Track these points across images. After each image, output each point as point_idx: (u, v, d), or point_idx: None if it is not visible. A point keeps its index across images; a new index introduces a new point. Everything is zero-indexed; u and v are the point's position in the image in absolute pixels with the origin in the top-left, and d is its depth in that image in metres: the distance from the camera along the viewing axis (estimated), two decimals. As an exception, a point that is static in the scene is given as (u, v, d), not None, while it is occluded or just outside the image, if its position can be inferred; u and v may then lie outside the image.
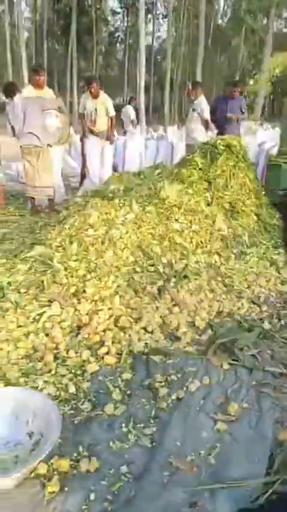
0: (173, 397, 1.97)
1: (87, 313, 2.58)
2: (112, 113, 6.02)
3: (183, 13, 27.97)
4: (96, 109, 5.91)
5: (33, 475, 1.53)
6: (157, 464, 1.59)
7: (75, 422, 1.82)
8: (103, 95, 6.00)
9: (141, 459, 1.63)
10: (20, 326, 2.44)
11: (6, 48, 25.21)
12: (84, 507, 1.42)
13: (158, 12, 34.75)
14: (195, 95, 6.45)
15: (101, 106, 5.94)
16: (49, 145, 5.22)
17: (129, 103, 11.28)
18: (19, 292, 2.74)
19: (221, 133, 5.93)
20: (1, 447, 1.63)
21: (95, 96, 5.87)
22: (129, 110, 10.59)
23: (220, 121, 6.13)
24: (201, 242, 3.38)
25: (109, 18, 36.18)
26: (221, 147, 3.92)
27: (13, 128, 5.05)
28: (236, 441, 1.73)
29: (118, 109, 7.29)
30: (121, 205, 3.61)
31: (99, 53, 34.05)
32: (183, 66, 30.69)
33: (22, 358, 2.21)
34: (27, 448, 1.63)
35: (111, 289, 2.80)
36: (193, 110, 6.51)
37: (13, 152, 6.29)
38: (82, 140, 6.26)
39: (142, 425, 1.80)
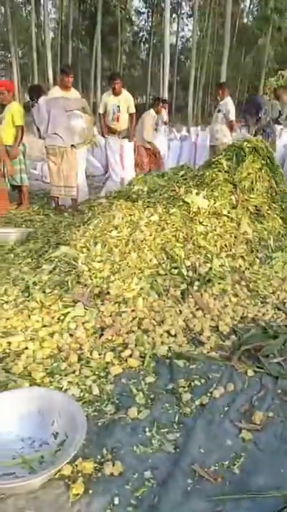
0: (197, 402, 1.96)
1: (111, 315, 2.59)
2: (133, 110, 6.03)
3: (209, 12, 27.73)
4: (118, 107, 5.92)
5: (57, 476, 1.55)
6: (181, 470, 1.58)
7: (99, 424, 1.82)
8: (125, 92, 6.01)
9: (164, 464, 1.63)
10: (45, 326, 2.47)
11: (32, 49, 25.63)
12: (108, 511, 1.42)
13: (182, 11, 34.59)
14: (220, 96, 6.39)
15: (124, 103, 5.95)
16: (73, 146, 5.27)
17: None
18: (44, 292, 2.78)
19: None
20: (26, 447, 1.65)
21: (118, 93, 5.88)
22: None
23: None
24: (225, 245, 3.34)
25: (134, 18, 36.26)
26: (248, 149, 3.87)
27: (38, 129, 5.13)
28: (261, 450, 1.70)
29: (140, 108, 7.33)
30: (145, 206, 3.61)
31: (123, 53, 34.18)
32: (207, 66, 30.46)
33: (47, 358, 2.24)
34: (52, 448, 1.65)
35: (134, 291, 2.81)
36: (218, 111, 6.45)
37: (37, 152, 6.40)
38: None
39: (166, 430, 1.80)
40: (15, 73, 25.91)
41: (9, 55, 30.94)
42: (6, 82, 7.04)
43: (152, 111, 7.09)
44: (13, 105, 5.50)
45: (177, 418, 1.87)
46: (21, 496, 1.48)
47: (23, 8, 35.11)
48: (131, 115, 6.03)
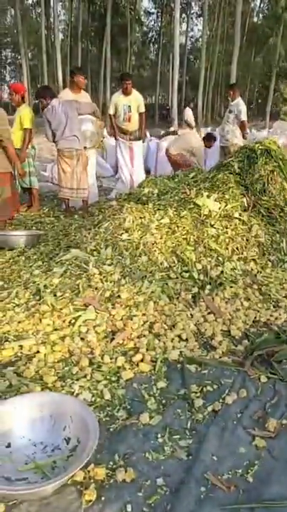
0: (209, 408, 1.94)
1: (121, 319, 2.59)
2: (143, 110, 6.03)
3: (218, 12, 27.62)
4: (129, 107, 5.93)
5: (70, 482, 1.54)
6: (193, 478, 1.57)
7: (111, 429, 1.82)
8: (135, 92, 6.02)
9: (177, 471, 1.61)
10: (56, 330, 2.48)
11: (41, 51, 25.79)
12: (121, 518, 1.42)
13: (192, 11, 34.52)
14: (231, 96, 6.36)
15: (135, 103, 5.96)
16: (84, 147, 5.29)
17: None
18: (55, 295, 2.78)
19: None
20: (39, 452, 1.66)
21: (128, 93, 5.89)
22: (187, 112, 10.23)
23: None
24: (237, 248, 3.32)
25: (143, 18, 36.29)
26: (260, 151, 3.83)
27: (53, 133, 5.12)
28: (275, 459, 1.68)
29: (150, 108, 7.33)
30: (155, 209, 3.61)
31: (133, 54, 34.24)
32: (217, 66, 30.34)
33: (58, 362, 2.24)
34: (64, 453, 1.65)
35: (145, 295, 2.80)
36: (230, 112, 6.42)
37: (46, 153, 6.43)
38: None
39: (178, 436, 1.78)
40: (25, 75, 26.11)
41: (19, 57, 31.17)
42: (17, 84, 7.08)
43: None
44: (22, 108, 5.53)
45: (189, 424, 1.86)
46: (34, 501, 1.48)
47: (33, 11, 35.38)
48: (140, 114, 6.03)
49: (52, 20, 26.70)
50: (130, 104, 5.90)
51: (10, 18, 37.81)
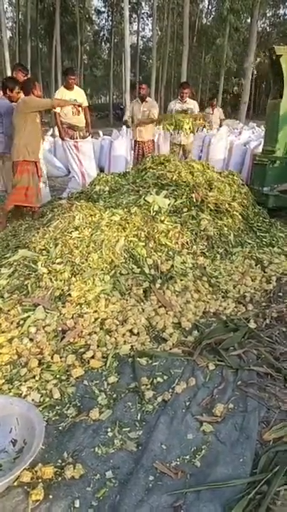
0: (159, 399, 1.97)
1: (72, 317, 2.56)
2: (87, 103, 6.06)
3: (168, 12, 27.97)
4: (76, 100, 5.88)
5: (16, 483, 1.51)
6: (142, 468, 1.58)
7: (60, 428, 1.80)
8: (77, 87, 6.05)
9: (126, 463, 1.62)
10: (3, 332, 2.41)
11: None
12: (68, 514, 1.41)
13: (142, 11, 34.71)
14: (187, 95, 6.49)
15: (80, 97, 5.95)
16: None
17: None
18: (2, 297, 2.71)
19: None
20: (-16, 456, 1.61)
21: (72, 88, 5.89)
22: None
23: None
24: (187, 242, 3.38)
25: (94, 17, 36.00)
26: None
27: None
28: (222, 442, 1.74)
29: (104, 108, 7.31)
30: (106, 206, 3.60)
31: (84, 52, 33.86)
32: (169, 65, 30.74)
33: (6, 365, 2.18)
34: (11, 456, 1.61)
35: (96, 292, 2.79)
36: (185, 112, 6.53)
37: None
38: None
39: (128, 429, 1.79)
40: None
41: None
42: None
43: None
44: None
45: (139, 416, 1.87)
46: (-22, 507, 1.44)
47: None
48: (85, 109, 6.01)
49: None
50: (75, 98, 5.85)
51: None
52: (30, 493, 1.46)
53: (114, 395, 2.01)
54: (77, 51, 30.34)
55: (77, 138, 5.91)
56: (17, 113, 4.46)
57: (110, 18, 34.40)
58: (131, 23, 27.57)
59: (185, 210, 3.68)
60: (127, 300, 2.80)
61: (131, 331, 2.50)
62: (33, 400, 1.93)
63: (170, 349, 2.37)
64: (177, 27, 29.47)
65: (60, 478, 1.54)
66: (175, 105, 6.52)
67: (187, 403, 1.95)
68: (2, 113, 4.87)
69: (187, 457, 1.65)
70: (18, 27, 30.43)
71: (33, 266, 2.93)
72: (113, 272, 3.00)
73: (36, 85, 4.72)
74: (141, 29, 36.77)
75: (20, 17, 30.68)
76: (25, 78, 5.18)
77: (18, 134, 4.43)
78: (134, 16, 33.02)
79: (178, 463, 1.63)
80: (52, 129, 10.63)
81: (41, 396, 1.96)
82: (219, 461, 1.63)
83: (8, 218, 4.71)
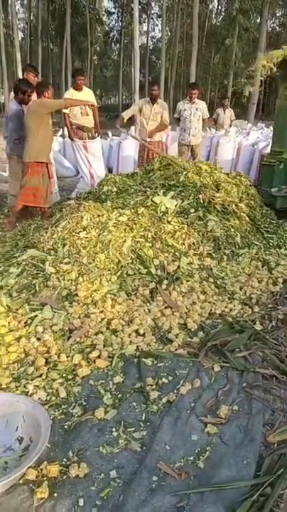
0: (164, 400, 1.98)
1: (79, 317, 2.58)
2: (95, 103, 6.08)
3: (177, 13, 27.95)
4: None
5: (22, 481, 1.53)
6: (146, 468, 1.59)
7: (65, 427, 1.82)
8: (86, 88, 6.09)
9: (130, 463, 1.64)
10: (11, 331, 2.44)
11: (0, 49, 25.10)
12: (72, 513, 1.42)
13: (152, 12, 34.74)
14: (194, 97, 6.47)
15: (89, 98, 6.00)
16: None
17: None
18: (11, 296, 2.74)
19: None
20: (-10, 453, 1.63)
21: (81, 89, 5.93)
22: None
23: None
24: (193, 243, 3.38)
25: (104, 18, 36.11)
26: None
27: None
28: (226, 444, 1.74)
29: (113, 109, 7.32)
30: (113, 207, 3.62)
31: (94, 53, 33.97)
32: (178, 66, 30.71)
33: (13, 363, 2.21)
34: (17, 454, 1.63)
35: (103, 292, 2.80)
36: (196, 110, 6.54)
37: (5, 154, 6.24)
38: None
39: (132, 429, 1.81)
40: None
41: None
42: None
43: None
44: None
45: (144, 416, 1.88)
46: (-16, 503, 1.46)
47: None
48: (93, 109, 6.04)
49: (10, 18, 26.05)
50: (84, 98, 5.89)
51: None
52: (35, 491, 1.48)
53: (119, 395, 2.02)
54: (87, 52, 30.46)
55: (85, 138, 5.95)
56: (31, 114, 4.48)
57: (120, 18, 34.49)
58: (140, 23, 27.57)
59: (192, 211, 3.68)
60: (133, 300, 2.81)
61: (137, 331, 2.51)
62: (39, 398, 1.95)
63: (176, 350, 2.37)
64: (187, 27, 29.45)
65: (64, 477, 1.56)
66: (183, 106, 6.52)
67: (192, 404, 1.96)
68: (9, 116, 4.92)
69: (191, 458, 1.66)
70: (29, 28, 30.69)
71: (41, 265, 2.96)
72: (120, 272, 3.02)
73: (49, 88, 4.73)
74: (150, 29, 36.78)
75: (31, 18, 30.90)
76: (36, 80, 5.25)
77: (31, 135, 4.46)
78: (144, 16, 33.06)
79: (182, 464, 1.63)
80: (61, 130, 10.67)
81: (47, 395, 1.98)
82: (223, 463, 1.63)
83: (18, 218, 4.75)
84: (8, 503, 1.45)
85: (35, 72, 5.50)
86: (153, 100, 5.97)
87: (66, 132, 6.78)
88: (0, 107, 28.59)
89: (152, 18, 35.94)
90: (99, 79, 41.64)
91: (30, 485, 1.52)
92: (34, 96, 4.82)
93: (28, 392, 1.98)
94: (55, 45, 33.11)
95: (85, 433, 1.77)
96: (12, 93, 5.21)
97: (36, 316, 2.55)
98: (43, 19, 27.96)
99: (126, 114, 6.07)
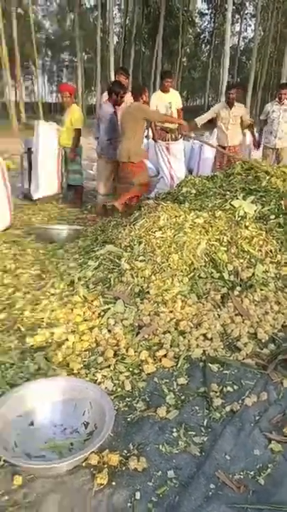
0: (227, 408, 1.94)
1: (149, 314, 2.63)
2: (181, 105, 6.20)
3: (272, 12, 26.89)
4: (170, 103, 6.01)
5: (84, 464, 1.61)
6: (204, 474, 1.58)
7: (128, 419, 1.87)
8: (173, 90, 6.16)
9: (188, 466, 1.63)
10: (86, 320, 2.58)
11: (96, 53, 26.39)
12: (129, 504, 1.46)
13: (246, 12, 33.83)
14: (284, 98, 6.20)
15: (177, 100, 6.09)
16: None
17: None
18: (88, 287, 2.89)
19: None
20: (58, 433, 1.74)
21: (168, 91, 6.00)
22: None
23: None
24: (271, 251, 3.25)
25: (197, 19, 36.08)
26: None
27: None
28: (291, 464, 1.65)
29: (199, 110, 7.30)
30: (191, 209, 3.61)
31: (184, 55, 34.11)
32: (269, 66, 29.55)
33: (85, 351, 2.33)
34: (82, 437, 1.72)
35: (173, 292, 2.82)
36: (285, 111, 6.27)
37: (94, 153, 6.57)
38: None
39: (193, 433, 1.80)
40: (79, 77, 27.02)
41: (75, 60, 32.15)
42: (67, 85, 7.38)
43: None
44: (73, 108, 5.76)
45: (205, 422, 1.86)
46: (49, 478, 1.56)
47: (90, 15, 36.27)
48: (178, 110, 6.08)
49: (107, 23, 27.24)
50: (171, 100, 5.96)
51: (69, 22, 39.00)
52: (96, 476, 1.54)
53: (182, 397, 2.03)
54: (177, 54, 30.71)
55: (169, 140, 6.01)
56: (130, 116, 4.65)
57: (213, 20, 34.18)
58: (233, 24, 26.99)
59: (273, 217, 3.53)
60: (203, 304, 2.78)
61: (204, 335, 2.49)
62: (106, 388, 2.03)
63: (244, 359, 2.30)
64: (281, 26, 28.19)
65: (123, 468, 1.61)
66: (272, 107, 6.26)
67: (257, 417, 1.89)
68: (101, 117, 5.17)
69: (252, 473, 1.60)
70: (124, 32, 31.82)
71: (117, 261, 3.07)
72: (192, 274, 3.01)
73: (146, 91, 4.88)
74: (242, 30, 35.89)
75: (127, 22, 32.01)
76: (127, 82, 5.44)
77: (129, 138, 4.65)
78: (237, 16, 32.36)
79: (242, 476, 1.59)
80: (146, 131, 10.92)
81: (114, 386, 2.06)
82: (285, 483, 1.55)
83: (98, 214, 4.99)
84: (71, 482, 1.54)
85: (126, 74, 5.70)
86: (231, 104, 5.86)
87: (150, 133, 6.91)
88: (91, 109, 30.06)
89: (245, 19, 35.05)
90: (187, 80, 41.72)
91: (92, 469, 1.60)
92: (127, 97, 5.01)
93: (96, 380, 2.08)
94: (147, 48, 33.88)
95: (147, 428, 1.80)
96: (105, 94, 5.47)
97: (109, 308, 2.66)
98: (138, 23, 28.78)
99: (200, 120, 5.97)
